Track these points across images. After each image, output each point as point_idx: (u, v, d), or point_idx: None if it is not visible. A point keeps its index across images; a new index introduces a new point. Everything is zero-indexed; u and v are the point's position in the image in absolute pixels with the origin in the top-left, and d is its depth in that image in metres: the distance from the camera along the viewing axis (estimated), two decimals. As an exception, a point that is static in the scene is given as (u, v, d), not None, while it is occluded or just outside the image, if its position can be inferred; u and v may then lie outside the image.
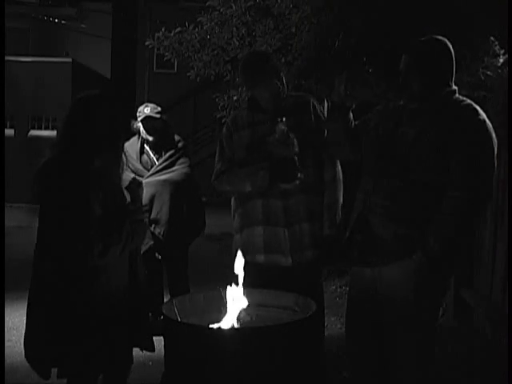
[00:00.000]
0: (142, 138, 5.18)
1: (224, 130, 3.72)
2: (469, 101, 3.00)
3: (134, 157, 5.15)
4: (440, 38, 3.04)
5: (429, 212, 2.87)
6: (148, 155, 5.18)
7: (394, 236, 2.90)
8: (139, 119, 5.11)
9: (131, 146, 5.21)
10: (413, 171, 2.89)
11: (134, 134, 5.28)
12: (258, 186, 3.47)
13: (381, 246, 2.94)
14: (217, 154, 3.72)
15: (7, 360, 4.71)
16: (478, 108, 2.95)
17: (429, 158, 2.87)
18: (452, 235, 2.84)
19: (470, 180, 2.82)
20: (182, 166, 5.19)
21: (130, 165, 5.06)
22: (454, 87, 3.02)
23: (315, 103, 3.64)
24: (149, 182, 4.86)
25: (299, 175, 3.40)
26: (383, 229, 2.94)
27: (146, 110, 5.10)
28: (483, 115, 2.93)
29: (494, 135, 2.91)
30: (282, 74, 3.63)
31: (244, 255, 3.38)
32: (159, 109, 5.16)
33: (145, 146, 5.20)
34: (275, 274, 3.47)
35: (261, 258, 3.54)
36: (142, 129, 5.12)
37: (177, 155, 5.18)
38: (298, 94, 3.79)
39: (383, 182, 2.96)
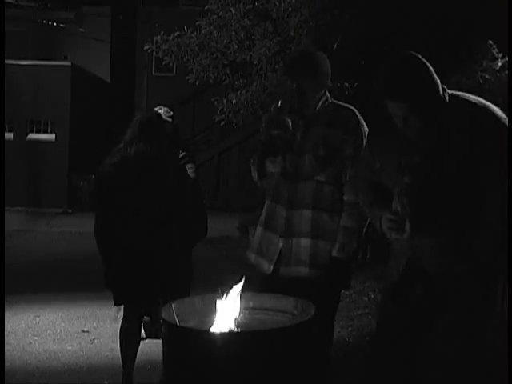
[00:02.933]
0: None
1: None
2: (470, 99, 2.73)
3: None
4: (409, 56, 2.66)
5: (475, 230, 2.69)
6: None
7: (452, 272, 2.73)
8: None
9: None
10: (452, 203, 2.70)
11: None
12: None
13: (446, 292, 2.75)
14: None
15: (6, 363, 4.70)
16: (489, 106, 2.71)
17: (465, 185, 2.66)
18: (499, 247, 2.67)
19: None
20: (189, 170, 5.22)
21: None
22: (444, 89, 2.74)
23: (357, 121, 3.43)
24: None
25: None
26: (439, 268, 2.76)
27: (159, 112, 5.13)
28: (497, 112, 2.68)
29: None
30: (326, 78, 3.45)
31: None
32: (172, 113, 5.22)
33: None
34: (266, 281, 3.47)
35: (252, 256, 3.58)
36: None
37: (186, 159, 5.22)
38: (343, 105, 3.54)
39: (425, 223, 2.74)
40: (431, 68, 2.66)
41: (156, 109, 5.22)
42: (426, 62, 2.65)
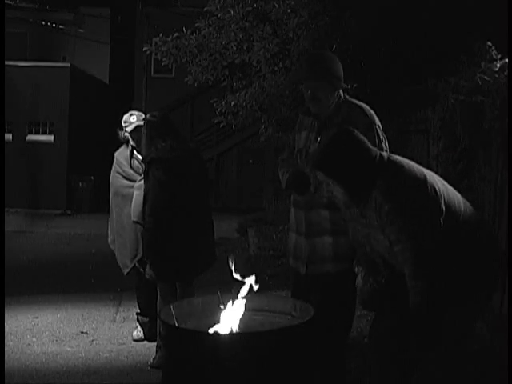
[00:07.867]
0: (131, 144, 5.27)
1: (296, 127, 3.79)
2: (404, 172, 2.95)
3: (125, 163, 5.32)
4: (339, 137, 2.95)
5: None
6: (138, 160, 5.24)
7: None
8: (129, 130, 5.15)
9: (121, 154, 5.38)
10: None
11: (121, 143, 5.43)
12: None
13: None
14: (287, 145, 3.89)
15: (5, 364, 4.69)
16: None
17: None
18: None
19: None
20: None
21: (121, 171, 5.29)
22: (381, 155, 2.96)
23: (368, 119, 3.46)
24: (142, 185, 4.90)
25: (310, 189, 3.45)
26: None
27: (132, 118, 5.16)
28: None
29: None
30: (339, 80, 3.50)
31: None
32: (143, 115, 5.22)
33: (134, 151, 5.28)
34: (300, 280, 3.64)
35: (291, 261, 3.75)
36: (130, 138, 5.21)
37: None
38: (355, 102, 3.57)
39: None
40: (363, 143, 2.87)
41: (127, 116, 5.21)
42: (358, 138, 2.89)
